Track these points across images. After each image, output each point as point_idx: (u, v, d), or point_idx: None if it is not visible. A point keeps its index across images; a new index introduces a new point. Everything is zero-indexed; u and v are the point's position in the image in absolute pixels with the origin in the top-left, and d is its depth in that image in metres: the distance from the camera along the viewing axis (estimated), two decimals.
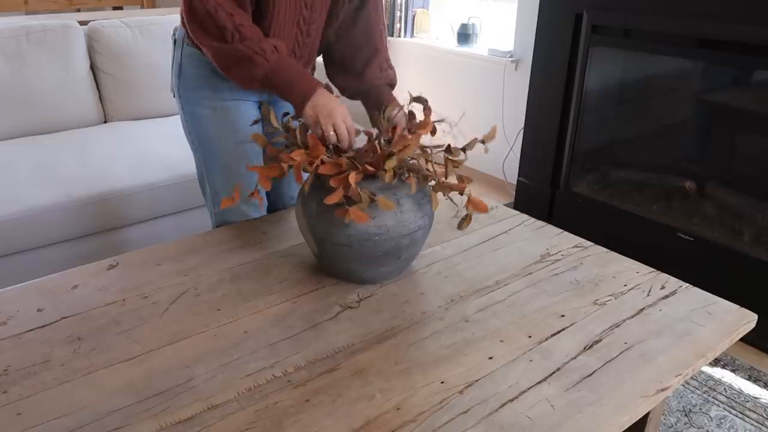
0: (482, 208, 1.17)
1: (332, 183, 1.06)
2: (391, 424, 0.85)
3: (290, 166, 1.11)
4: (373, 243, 1.11)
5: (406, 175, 1.13)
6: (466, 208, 1.18)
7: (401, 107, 1.28)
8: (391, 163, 1.08)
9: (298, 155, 1.09)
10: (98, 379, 0.93)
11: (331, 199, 1.05)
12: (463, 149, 1.17)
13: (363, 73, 1.42)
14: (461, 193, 1.15)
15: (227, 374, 0.94)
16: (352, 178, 1.05)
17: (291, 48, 1.33)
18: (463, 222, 1.18)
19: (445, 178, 1.16)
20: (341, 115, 1.17)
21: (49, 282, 1.18)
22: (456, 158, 1.16)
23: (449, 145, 1.17)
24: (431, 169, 1.16)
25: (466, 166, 1.23)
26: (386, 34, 1.48)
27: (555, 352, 1.01)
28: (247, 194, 1.41)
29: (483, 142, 1.19)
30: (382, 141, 1.19)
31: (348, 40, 1.42)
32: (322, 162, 1.09)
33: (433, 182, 1.16)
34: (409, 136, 1.15)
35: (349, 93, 1.45)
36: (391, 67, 1.45)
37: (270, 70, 1.19)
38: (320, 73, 1.48)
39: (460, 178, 1.17)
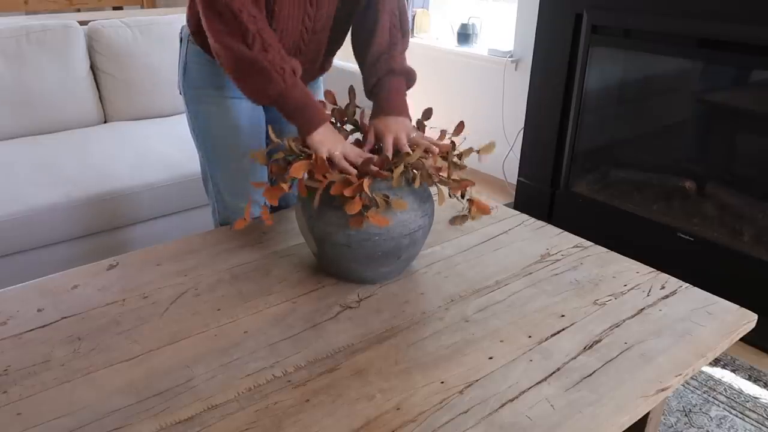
0: (485, 211, 1.18)
1: (347, 193, 1.06)
2: (391, 424, 0.85)
3: (293, 180, 1.11)
4: (373, 243, 1.11)
5: (411, 174, 1.13)
6: (469, 210, 1.18)
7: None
8: (398, 170, 1.08)
9: (300, 169, 1.09)
10: (98, 379, 0.93)
11: (352, 209, 1.05)
12: (459, 156, 1.17)
13: (362, 70, 1.36)
14: (463, 193, 1.16)
15: (227, 374, 0.94)
16: (366, 184, 1.05)
17: (296, 44, 1.32)
18: (457, 219, 1.19)
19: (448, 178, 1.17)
20: (342, 149, 1.15)
21: (49, 282, 1.18)
22: (459, 162, 1.17)
23: (449, 154, 1.16)
24: (435, 168, 1.16)
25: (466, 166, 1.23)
26: (396, 27, 1.34)
27: (555, 352, 1.01)
28: (251, 194, 1.42)
29: (478, 152, 1.19)
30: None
31: (357, 37, 1.37)
32: (331, 183, 1.08)
33: (437, 179, 1.16)
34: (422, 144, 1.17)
35: (366, 93, 1.38)
36: (389, 51, 1.32)
37: (284, 91, 1.15)
38: (332, 73, 1.45)
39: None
